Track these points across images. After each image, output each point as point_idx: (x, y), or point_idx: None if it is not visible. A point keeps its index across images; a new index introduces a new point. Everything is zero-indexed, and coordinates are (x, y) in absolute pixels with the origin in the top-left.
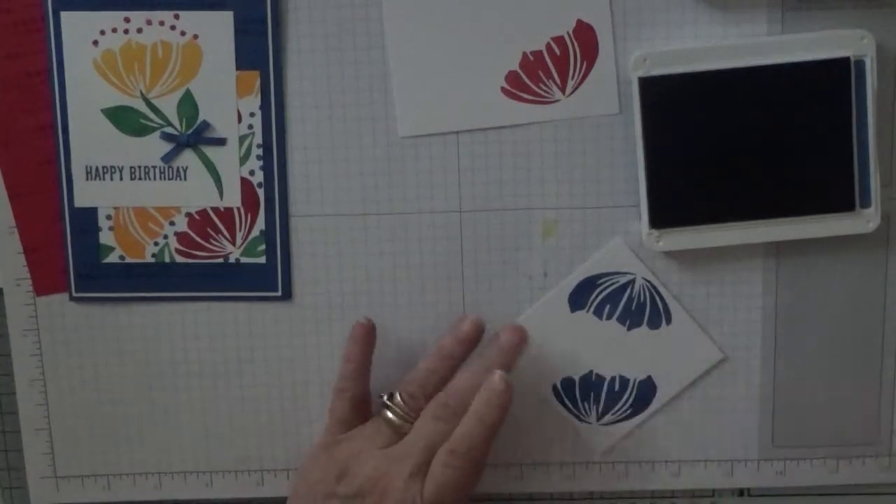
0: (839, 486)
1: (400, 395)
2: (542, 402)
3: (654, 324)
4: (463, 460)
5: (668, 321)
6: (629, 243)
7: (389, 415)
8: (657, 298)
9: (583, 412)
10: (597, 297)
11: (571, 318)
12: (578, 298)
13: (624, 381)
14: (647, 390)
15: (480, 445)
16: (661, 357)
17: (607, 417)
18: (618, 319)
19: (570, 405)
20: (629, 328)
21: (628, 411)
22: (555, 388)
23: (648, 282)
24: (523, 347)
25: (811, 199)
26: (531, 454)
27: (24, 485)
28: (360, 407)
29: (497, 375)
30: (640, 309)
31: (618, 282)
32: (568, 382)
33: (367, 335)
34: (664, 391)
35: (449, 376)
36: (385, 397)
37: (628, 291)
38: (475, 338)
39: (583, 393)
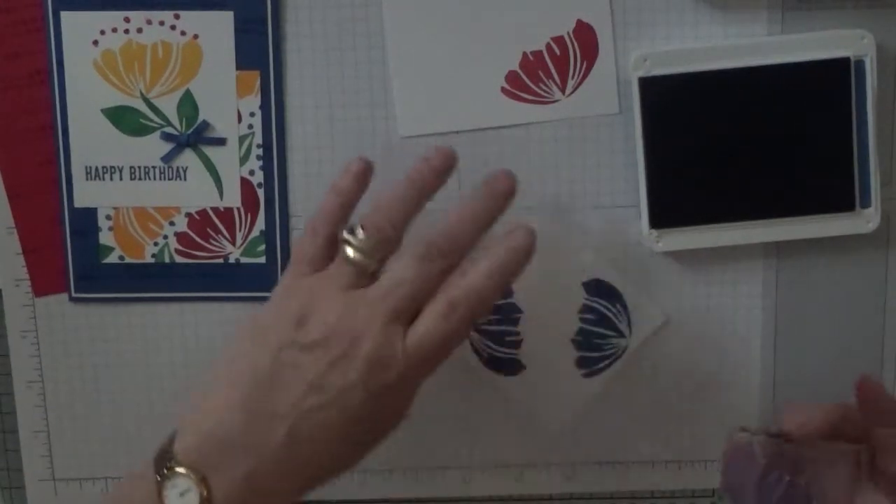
0: None
1: (362, 226)
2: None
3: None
4: (465, 313)
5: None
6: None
7: (350, 252)
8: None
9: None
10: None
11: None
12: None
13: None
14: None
15: (488, 301)
16: None
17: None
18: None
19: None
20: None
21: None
22: None
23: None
24: (513, 196)
25: (811, 199)
26: (530, 454)
27: (23, 485)
28: (333, 249)
29: (523, 228)
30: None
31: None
32: None
33: (366, 171)
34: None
35: (418, 209)
36: (344, 232)
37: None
38: (449, 170)
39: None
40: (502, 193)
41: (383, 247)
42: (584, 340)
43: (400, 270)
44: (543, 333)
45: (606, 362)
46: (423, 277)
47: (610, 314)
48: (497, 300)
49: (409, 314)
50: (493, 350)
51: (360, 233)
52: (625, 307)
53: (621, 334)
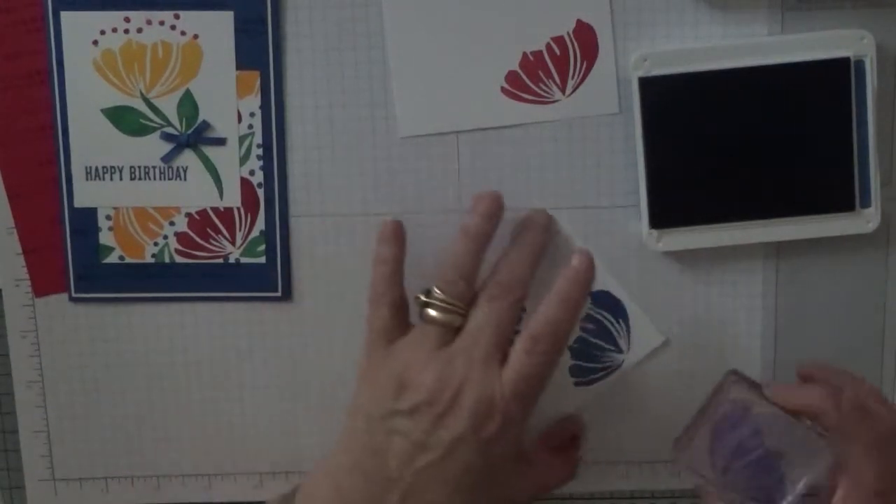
0: None
1: (437, 286)
2: None
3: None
4: (547, 345)
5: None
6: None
7: (432, 312)
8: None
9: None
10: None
11: None
12: None
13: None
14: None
15: (565, 328)
16: None
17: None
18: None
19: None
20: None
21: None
22: None
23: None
24: (555, 224)
25: (811, 199)
26: None
27: (23, 485)
28: (400, 314)
29: (579, 253)
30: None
31: None
32: None
33: (398, 233)
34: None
35: (482, 256)
36: (422, 296)
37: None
38: (497, 212)
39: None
40: (545, 225)
41: (461, 300)
42: (580, 349)
43: (478, 317)
44: None
45: (600, 374)
46: (498, 314)
47: (611, 328)
48: (574, 326)
49: (499, 355)
50: None
51: (436, 293)
52: (627, 325)
53: (619, 349)
